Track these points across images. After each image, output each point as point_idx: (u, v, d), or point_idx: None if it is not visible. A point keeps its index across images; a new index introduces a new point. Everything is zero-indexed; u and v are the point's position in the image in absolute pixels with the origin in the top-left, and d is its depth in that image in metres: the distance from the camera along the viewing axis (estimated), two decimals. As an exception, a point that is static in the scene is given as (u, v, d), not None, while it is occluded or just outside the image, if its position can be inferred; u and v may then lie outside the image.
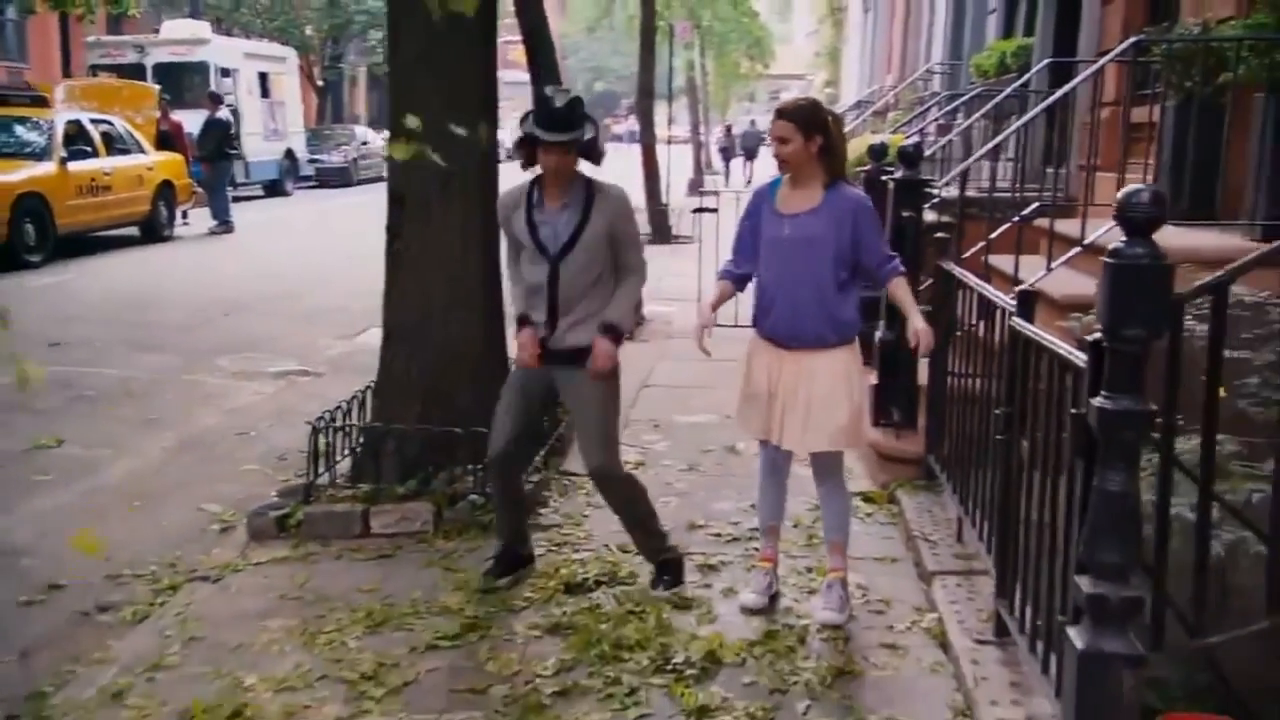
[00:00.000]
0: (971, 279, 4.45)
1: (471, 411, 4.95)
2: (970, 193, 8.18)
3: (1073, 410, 2.79)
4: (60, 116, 13.37)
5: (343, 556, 4.60)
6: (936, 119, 12.23)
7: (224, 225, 16.35)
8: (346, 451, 5.25)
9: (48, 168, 12.53)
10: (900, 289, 4.01)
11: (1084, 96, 8.67)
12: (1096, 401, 2.61)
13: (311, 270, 12.93)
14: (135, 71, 20.44)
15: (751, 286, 4.06)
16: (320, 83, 34.94)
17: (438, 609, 4.06)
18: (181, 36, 21.48)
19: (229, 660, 3.72)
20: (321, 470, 5.08)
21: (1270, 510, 2.58)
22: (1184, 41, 5.87)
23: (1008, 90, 7.97)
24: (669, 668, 3.60)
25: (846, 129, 15.81)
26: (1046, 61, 8.94)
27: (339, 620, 3.99)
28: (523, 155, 3.97)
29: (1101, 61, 5.99)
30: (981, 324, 4.27)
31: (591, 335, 3.99)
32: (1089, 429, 2.66)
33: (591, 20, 28.98)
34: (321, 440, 5.09)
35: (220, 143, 16.70)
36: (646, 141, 16.72)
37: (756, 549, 4.35)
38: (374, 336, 9.16)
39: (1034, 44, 11.44)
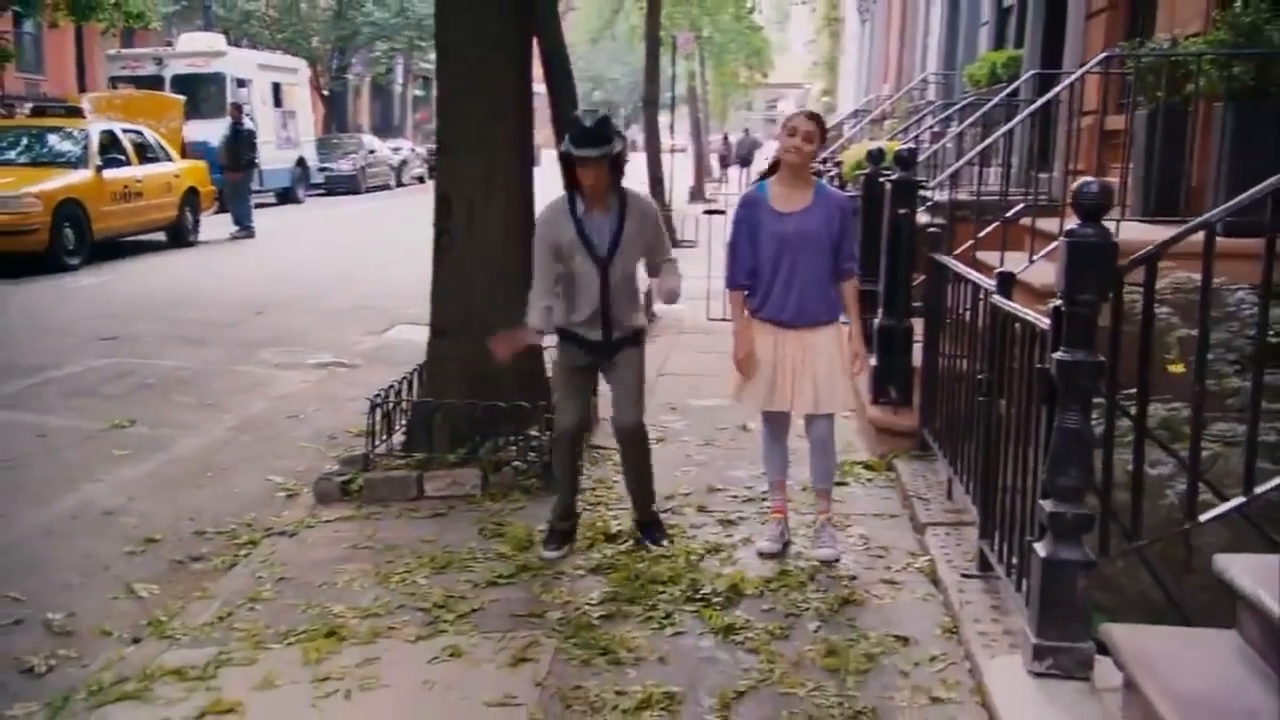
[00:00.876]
0: (959, 266, 5.04)
1: (512, 389, 5.54)
2: (963, 196, 8.84)
3: (1039, 365, 3.39)
4: (95, 127, 13.99)
5: (402, 516, 5.18)
6: (931, 126, 12.84)
7: (245, 230, 16.96)
8: (401, 426, 5.84)
9: (85, 175, 13.15)
10: (850, 291, 4.59)
11: (1067, 106, 9.30)
12: (1057, 356, 3.20)
13: (333, 272, 13.52)
14: (154, 83, 21.05)
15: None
16: (326, 93, 35.57)
17: (493, 555, 4.64)
18: (199, 49, 22.11)
19: (316, 594, 4.30)
20: (379, 442, 5.67)
21: (1191, 428, 3.17)
22: (1152, 56, 6.47)
23: (995, 100, 8.57)
24: (698, 597, 4.18)
25: (846, 136, 16.45)
26: (1031, 73, 9.54)
27: (407, 564, 4.57)
28: (564, 172, 4.44)
29: (1076, 74, 6.60)
30: (968, 310, 4.87)
31: (637, 322, 4.63)
32: (1051, 379, 3.26)
33: (594, 31, 29.61)
34: (378, 415, 5.69)
35: (245, 151, 17.32)
36: (651, 149, 17.35)
37: (768, 507, 4.93)
38: (401, 332, 9.94)
39: (1023, 55, 12.07)
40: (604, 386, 4.81)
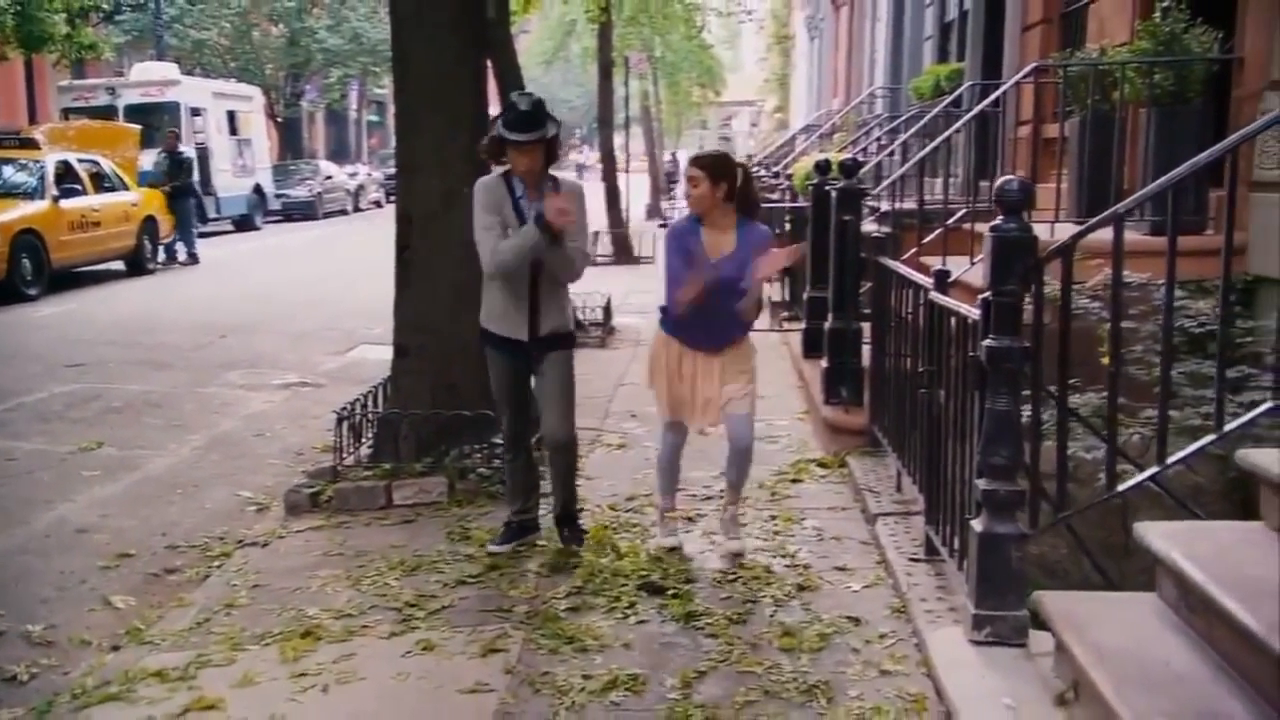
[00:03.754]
0: (901, 268, 5.28)
1: (475, 398, 5.70)
2: (910, 205, 9.15)
3: (971, 353, 3.61)
4: (50, 157, 14.03)
5: (371, 524, 5.34)
6: (878, 139, 13.17)
7: (189, 258, 17.01)
8: (368, 438, 5.99)
9: (41, 206, 13.19)
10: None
11: (1006, 115, 9.63)
12: (986, 343, 3.43)
13: (294, 296, 13.61)
14: (107, 113, 21.03)
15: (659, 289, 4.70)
16: (280, 120, 35.58)
17: (461, 557, 4.80)
18: (152, 78, 22.12)
19: (290, 599, 4.45)
20: (347, 454, 5.82)
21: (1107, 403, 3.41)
22: (1078, 66, 6.77)
23: (934, 111, 8.86)
24: (659, 589, 4.37)
25: (797, 150, 16.77)
26: (968, 84, 9.86)
27: (378, 568, 4.72)
28: (492, 154, 4.44)
29: (1007, 84, 6.90)
30: (910, 311, 5.10)
31: (560, 323, 4.60)
32: (981, 365, 3.48)
33: (548, 54, 29.88)
34: (345, 428, 5.84)
35: (182, 177, 17.25)
36: (608, 168, 17.60)
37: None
38: (364, 352, 10.08)
39: (965, 68, 12.43)
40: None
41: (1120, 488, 3.33)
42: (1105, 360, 4.91)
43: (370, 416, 5.98)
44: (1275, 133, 5.57)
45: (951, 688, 3.34)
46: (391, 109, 46.18)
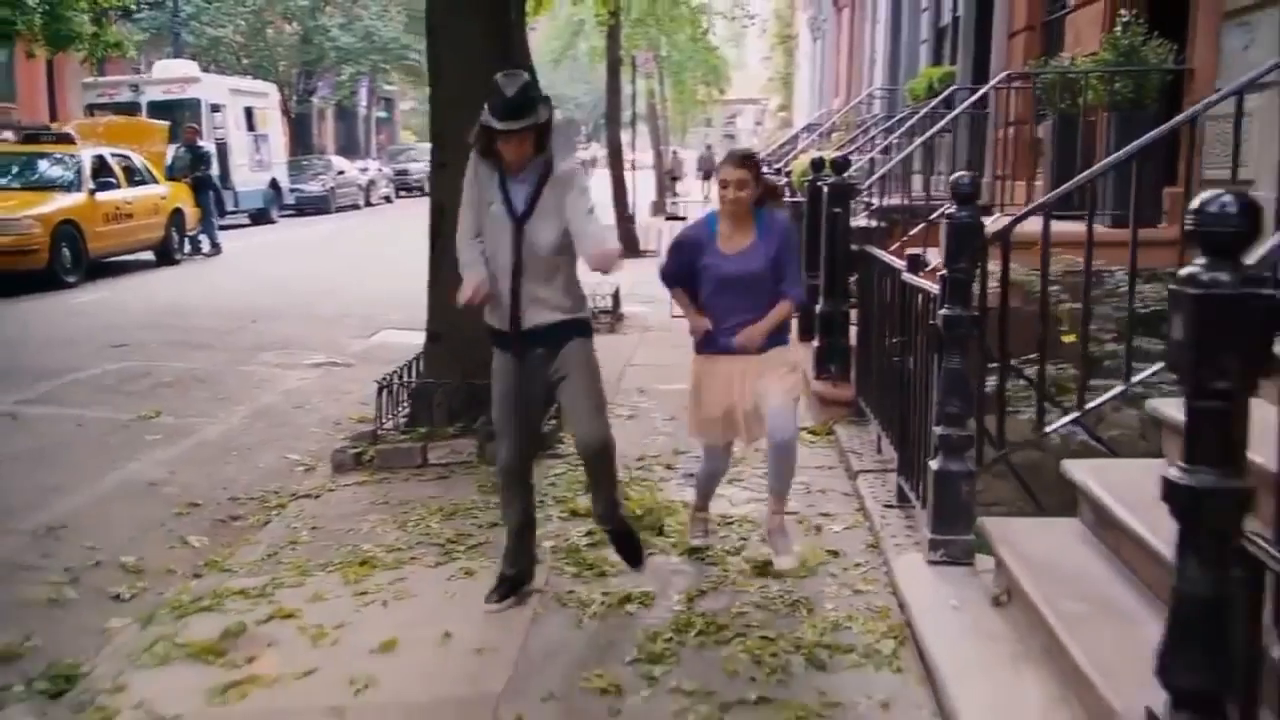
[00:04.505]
0: (882, 254, 5.94)
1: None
2: (901, 201, 9.84)
3: (931, 322, 4.28)
4: (87, 152, 14.72)
5: (410, 479, 6.01)
6: (872, 138, 13.83)
7: (215, 248, 17.73)
8: (404, 406, 6.66)
9: (79, 198, 13.88)
10: (784, 310, 4.43)
11: (996, 116, 10.31)
12: (942, 312, 4.10)
13: (316, 285, 14.27)
14: (130, 109, 21.74)
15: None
16: (291, 116, 36.27)
17: (492, 505, 5.43)
18: (174, 75, 22.81)
19: (346, 538, 5.12)
20: (386, 419, 6.50)
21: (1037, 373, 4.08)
22: (1048, 74, 7.43)
23: (921, 112, 9.53)
24: (667, 531, 5.04)
25: (799, 148, 17.40)
26: (953, 88, 10.52)
27: (419, 514, 5.39)
28: (480, 143, 4.00)
29: (983, 90, 7.54)
30: (888, 292, 5.75)
31: (558, 318, 4.08)
32: (939, 331, 4.15)
33: (556, 52, 30.54)
34: (385, 396, 6.52)
35: (201, 169, 17.93)
36: (615, 163, 18.26)
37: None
38: (387, 336, 10.75)
39: (957, 71, 13.10)
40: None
41: (1048, 429, 3.99)
42: (1067, 338, 5.60)
43: (406, 386, 6.64)
44: (1221, 136, 6.23)
45: (910, 597, 4.01)
46: (400, 106, 46.84)
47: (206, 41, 31.83)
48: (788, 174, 12.81)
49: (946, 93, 10.36)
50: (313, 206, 28.27)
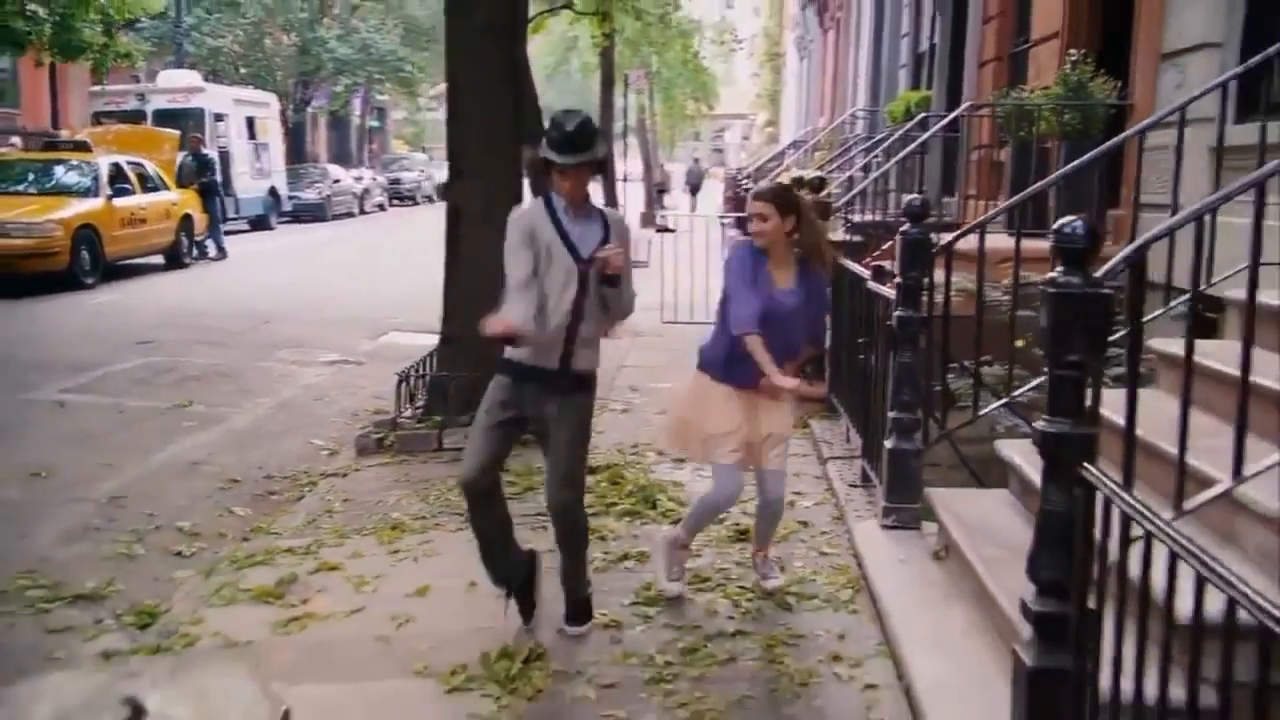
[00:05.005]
0: (852, 265, 6.66)
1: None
2: (878, 217, 10.59)
3: (887, 323, 5.00)
4: (104, 160, 15.39)
5: (428, 461, 6.70)
6: (852, 157, 14.60)
7: (220, 253, 18.41)
8: (420, 398, 7.36)
9: (97, 203, 14.55)
10: (809, 353, 4.54)
11: (967, 141, 11.07)
12: (896, 314, 4.82)
13: (321, 289, 14.95)
14: (136, 117, 22.37)
15: (708, 333, 4.52)
16: (288, 125, 36.92)
17: (504, 483, 6.15)
18: (179, 85, 23.46)
19: (375, 508, 5.81)
20: (404, 408, 7.19)
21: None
22: (1007, 104, 8.18)
23: (897, 134, 10.28)
24: (657, 507, 5.74)
25: (783, 164, 18.17)
26: (922, 115, 11.27)
27: (439, 489, 6.08)
28: (534, 179, 4.26)
29: (949, 117, 8.28)
30: (857, 301, 6.47)
31: (592, 364, 4.12)
32: (894, 331, 4.87)
33: (549, 68, 31.32)
34: (403, 387, 7.21)
35: (206, 175, 18.61)
36: (608, 178, 19.00)
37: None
38: (394, 337, 11.45)
39: (933, 96, 13.87)
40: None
41: (981, 412, 4.73)
42: (1018, 342, 6.32)
43: (423, 379, 7.34)
44: (1156, 164, 6.97)
45: (866, 555, 4.73)
46: (391, 115, 47.29)
47: (206, 51, 32.46)
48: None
49: (920, 117, 11.10)
50: (309, 214, 28.92)
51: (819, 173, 9.44)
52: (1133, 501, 2.38)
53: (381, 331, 11.82)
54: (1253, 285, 3.20)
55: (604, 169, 4.17)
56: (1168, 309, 4.73)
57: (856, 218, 10.75)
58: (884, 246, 9.16)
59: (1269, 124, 5.48)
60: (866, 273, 6.06)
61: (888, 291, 5.11)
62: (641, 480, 6.14)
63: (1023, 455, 4.44)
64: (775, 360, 4.19)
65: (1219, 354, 3.76)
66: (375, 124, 52.86)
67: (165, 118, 22.27)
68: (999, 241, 7.22)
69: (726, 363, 4.34)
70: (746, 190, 16.71)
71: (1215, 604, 2.05)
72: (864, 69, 20.19)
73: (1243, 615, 1.95)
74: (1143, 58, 7.46)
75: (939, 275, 4.96)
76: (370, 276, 16.31)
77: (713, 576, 4.79)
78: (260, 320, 12.14)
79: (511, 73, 7.49)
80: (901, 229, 4.81)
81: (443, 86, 42.93)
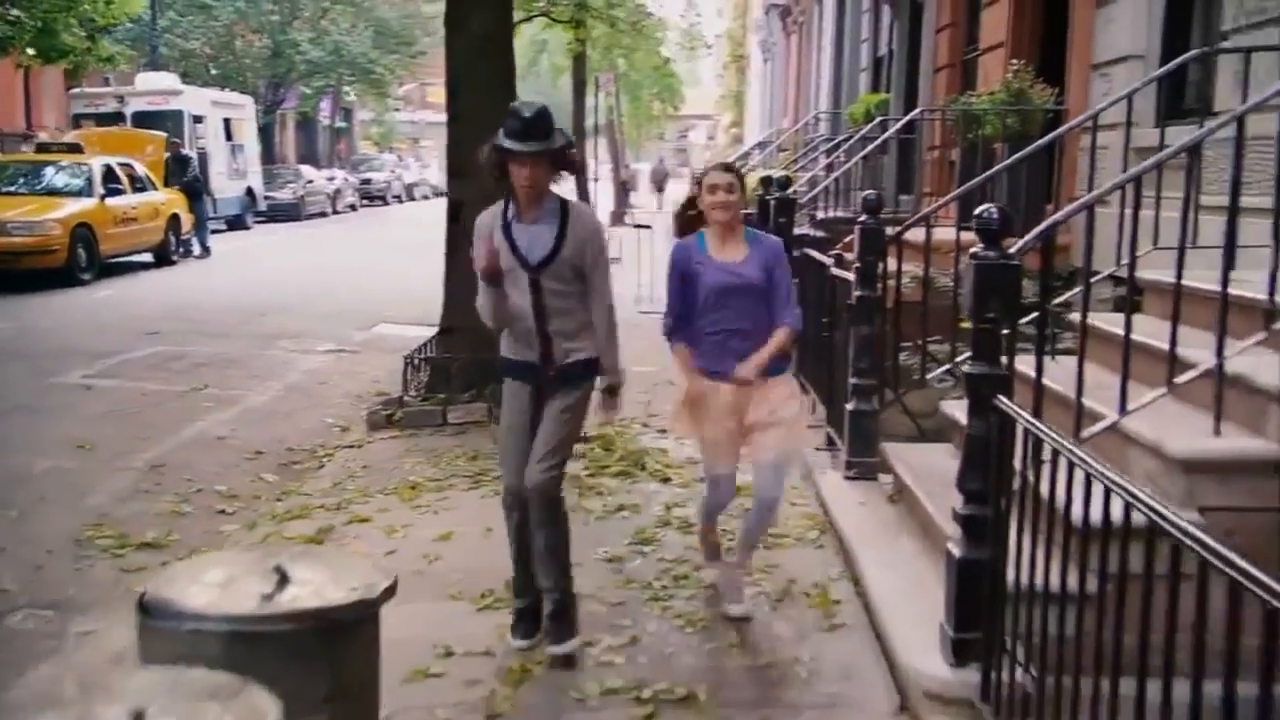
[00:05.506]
0: (816, 255, 7.41)
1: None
2: (843, 213, 11.37)
3: (848, 302, 5.75)
4: (97, 161, 15.94)
5: (434, 434, 7.38)
6: (815, 158, 15.39)
7: (205, 251, 19.00)
8: (424, 378, 8.04)
9: (92, 203, 15.12)
10: (781, 337, 4.26)
11: (922, 142, 11.88)
12: (855, 293, 5.57)
13: (309, 285, 15.53)
14: (115, 119, 22.81)
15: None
16: (259, 126, 37.30)
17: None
18: (157, 87, 23.92)
19: (393, 473, 6.49)
20: (411, 387, 7.87)
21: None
22: (955, 109, 8.97)
23: (857, 135, 11.07)
24: (646, 469, 6.46)
25: (750, 165, 18.95)
26: (879, 119, 12.07)
27: (449, 457, 6.77)
28: (494, 171, 3.92)
29: (902, 121, 9.06)
30: (821, 287, 7.20)
31: (587, 348, 4.04)
32: (853, 308, 5.61)
33: (521, 69, 31.88)
34: (409, 367, 7.90)
35: (186, 173, 19.20)
36: (580, 177, 19.69)
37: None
38: (385, 329, 12.10)
39: (891, 99, 14.69)
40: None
41: (929, 376, 5.49)
42: (961, 323, 7.07)
43: (428, 361, 8.02)
44: (1086, 163, 7.76)
45: (830, 502, 5.47)
46: (358, 116, 47.55)
47: (178, 54, 32.82)
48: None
49: (878, 120, 11.90)
50: (284, 214, 29.37)
51: (785, 172, 10.17)
52: (1035, 423, 3.13)
53: (372, 324, 12.45)
54: (1132, 268, 3.97)
55: (571, 166, 4.07)
56: (1085, 287, 5.49)
57: (820, 214, 11.56)
58: (847, 239, 9.97)
59: (1180, 127, 6.30)
60: (828, 260, 6.82)
61: (848, 275, 5.85)
62: (630, 447, 6.86)
63: (963, 411, 5.18)
64: (745, 334, 4.19)
65: (1138, 326, 4.52)
66: (342, 124, 53.22)
67: (144, 119, 22.72)
68: (949, 234, 8.01)
69: (706, 358, 4.26)
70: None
71: (1097, 508, 2.75)
72: (826, 72, 20.98)
73: (1116, 514, 2.66)
74: (1076, 67, 8.26)
75: (893, 265, 5.71)
76: (352, 273, 16.92)
77: (698, 522, 5.50)
78: (255, 314, 12.75)
79: (506, 76, 8.19)
80: (859, 220, 5.55)
81: (410, 87, 43.34)
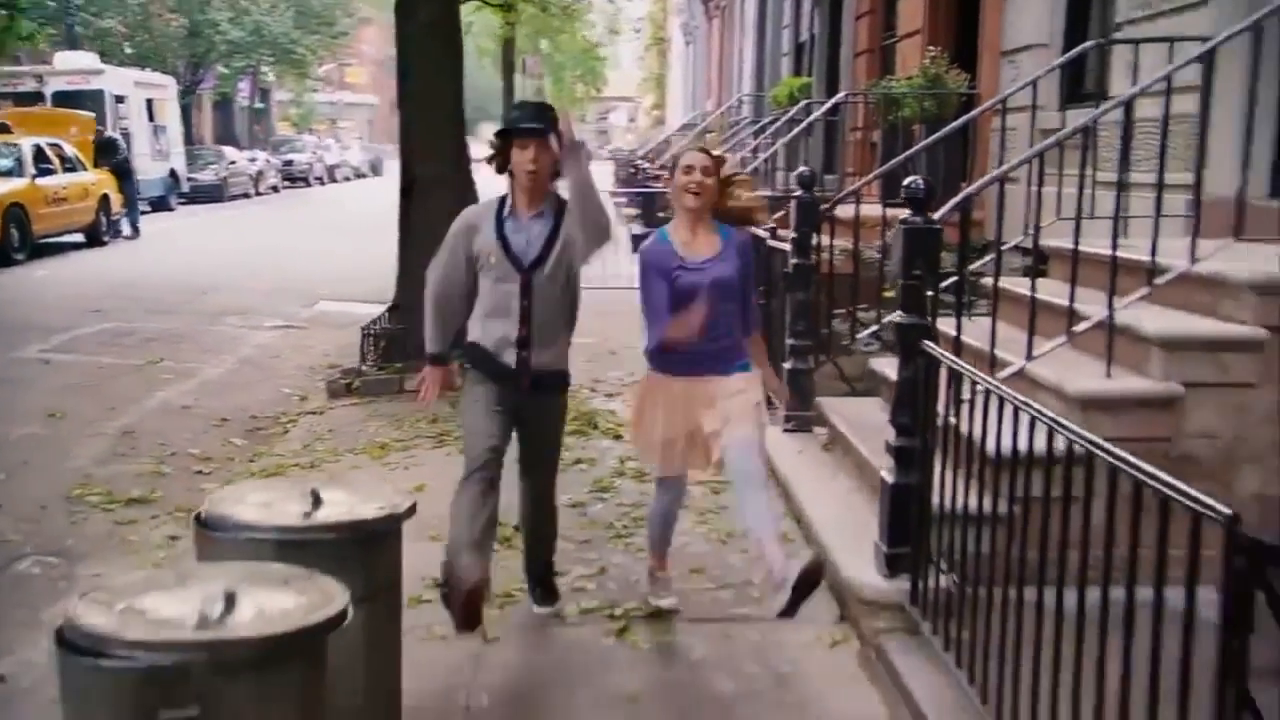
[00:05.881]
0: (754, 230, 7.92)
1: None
2: (771, 192, 11.93)
3: (784, 270, 6.28)
4: (27, 141, 15.89)
5: (393, 401, 7.75)
6: (742, 139, 15.95)
7: (135, 231, 19.03)
8: (380, 347, 8.41)
9: (23, 183, 15.11)
10: (758, 345, 4.29)
11: (845, 123, 12.49)
12: (791, 261, 6.10)
13: (243, 265, 15.66)
14: (34, 99, 22.53)
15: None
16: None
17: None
18: (78, 67, 23.66)
19: (358, 435, 6.88)
20: (368, 357, 8.25)
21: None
22: (876, 93, 9.57)
23: (784, 118, 11.63)
24: (601, 429, 6.94)
25: (676, 149, 19.45)
26: (804, 102, 12.65)
27: (410, 420, 7.15)
28: (497, 158, 3.87)
29: (826, 105, 9.64)
30: (763, 260, 7.73)
31: (561, 360, 4.02)
32: (790, 276, 6.15)
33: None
34: (366, 338, 8.27)
35: (112, 155, 19.19)
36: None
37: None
38: (325, 307, 12.38)
39: (813, 82, 15.30)
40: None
41: (859, 337, 6.06)
42: (887, 293, 7.66)
43: (385, 332, 8.39)
44: (998, 142, 8.39)
45: (772, 451, 5.99)
46: (275, 97, 46.98)
47: (93, 32, 32.31)
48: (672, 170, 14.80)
49: (804, 103, 12.48)
50: (207, 195, 29.14)
51: (718, 153, 10.69)
52: (958, 362, 3.68)
53: (313, 301, 12.72)
54: (1037, 236, 4.54)
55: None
56: (997, 254, 6.09)
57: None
58: (775, 216, 10.53)
59: (1080, 110, 6.94)
60: (764, 233, 7.34)
61: (785, 246, 6.38)
62: (582, 409, 7.33)
63: (890, 368, 5.75)
64: (723, 332, 3.95)
65: (1042, 288, 5.11)
66: (260, 106, 52.60)
67: (65, 99, 22.46)
68: (875, 210, 8.60)
69: (661, 357, 4.01)
70: (644, 170, 17.94)
71: (1007, 440, 3.28)
72: (749, 56, 21.56)
73: (1037, 444, 3.22)
74: (987, 54, 8.90)
75: (825, 240, 6.26)
76: (283, 254, 17.10)
77: (650, 472, 6.00)
78: (195, 292, 12.94)
79: (454, 59, 8.59)
80: (795, 195, 6.08)
81: (329, 67, 42.86)
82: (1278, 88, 5.47)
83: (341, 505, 3.25)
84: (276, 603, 2.50)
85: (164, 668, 2.25)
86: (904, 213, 4.01)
